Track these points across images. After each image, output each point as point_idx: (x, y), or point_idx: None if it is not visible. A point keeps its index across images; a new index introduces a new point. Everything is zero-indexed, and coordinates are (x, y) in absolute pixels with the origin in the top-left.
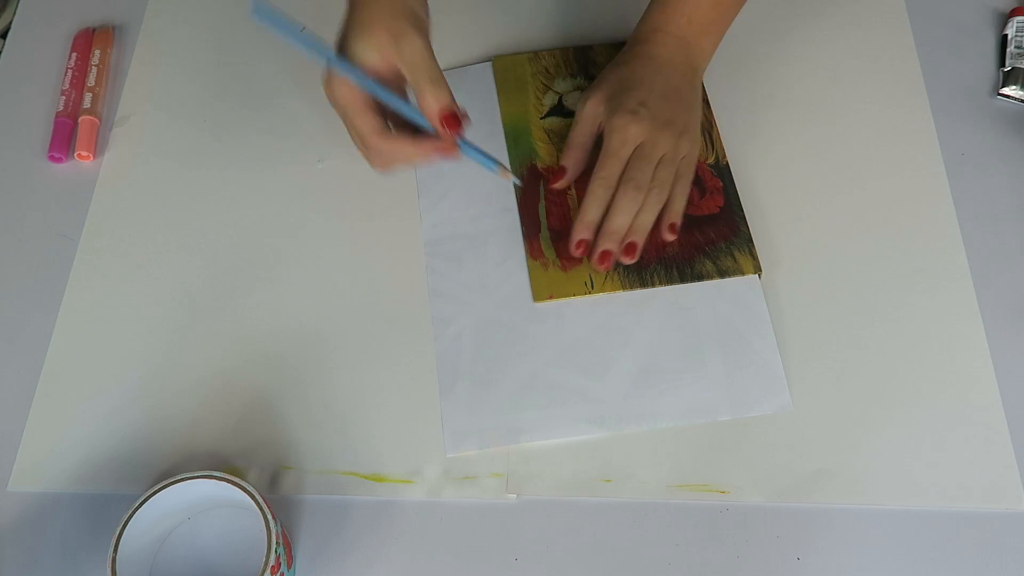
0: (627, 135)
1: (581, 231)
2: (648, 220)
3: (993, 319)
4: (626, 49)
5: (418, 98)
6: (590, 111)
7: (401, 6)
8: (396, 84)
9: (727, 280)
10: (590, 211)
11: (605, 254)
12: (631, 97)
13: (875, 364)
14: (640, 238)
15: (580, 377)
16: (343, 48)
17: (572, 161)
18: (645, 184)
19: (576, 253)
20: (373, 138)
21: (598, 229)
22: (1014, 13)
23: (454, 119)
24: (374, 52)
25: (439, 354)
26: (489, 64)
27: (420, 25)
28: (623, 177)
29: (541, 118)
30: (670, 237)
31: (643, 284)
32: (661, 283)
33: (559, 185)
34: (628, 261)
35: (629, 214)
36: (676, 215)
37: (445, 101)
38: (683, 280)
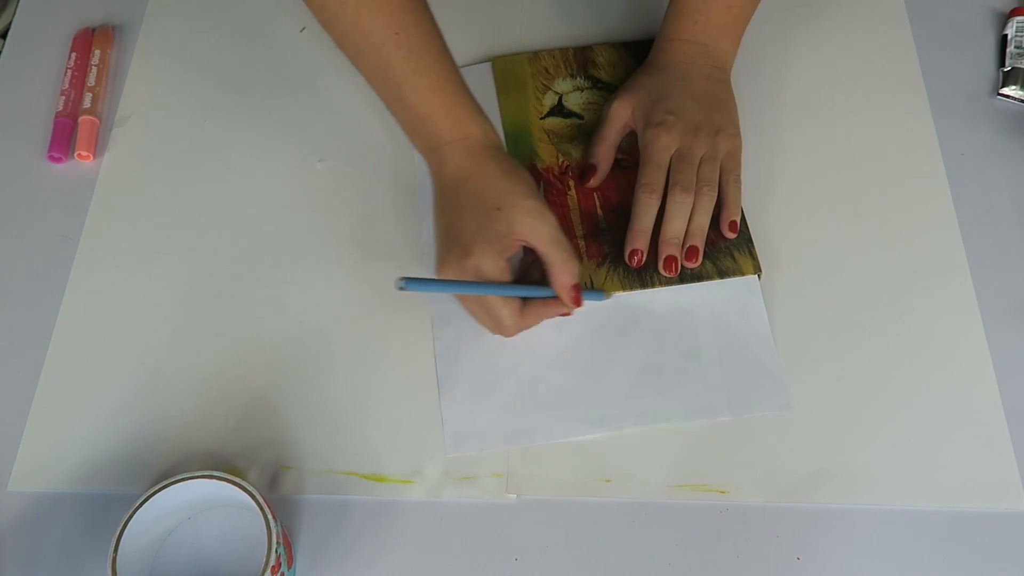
0: (660, 143)
1: (634, 241)
2: (703, 221)
3: (993, 319)
4: (650, 59)
5: (552, 271)
6: (617, 109)
7: (527, 182)
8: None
9: (726, 281)
10: (640, 219)
11: (670, 260)
12: (659, 108)
13: (875, 364)
14: (700, 241)
15: (580, 378)
16: (470, 240)
17: (601, 156)
18: (691, 185)
19: (632, 263)
20: (515, 319)
21: (641, 238)
22: (1014, 13)
23: (579, 292)
24: (506, 248)
25: (439, 354)
26: (489, 64)
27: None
28: (669, 183)
29: (541, 118)
30: (731, 235)
31: (643, 284)
32: (661, 284)
33: (594, 183)
34: (691, 265)
35: (683, 217)
36: (733, 212)
37: (577, 278)
38: (682, 281)
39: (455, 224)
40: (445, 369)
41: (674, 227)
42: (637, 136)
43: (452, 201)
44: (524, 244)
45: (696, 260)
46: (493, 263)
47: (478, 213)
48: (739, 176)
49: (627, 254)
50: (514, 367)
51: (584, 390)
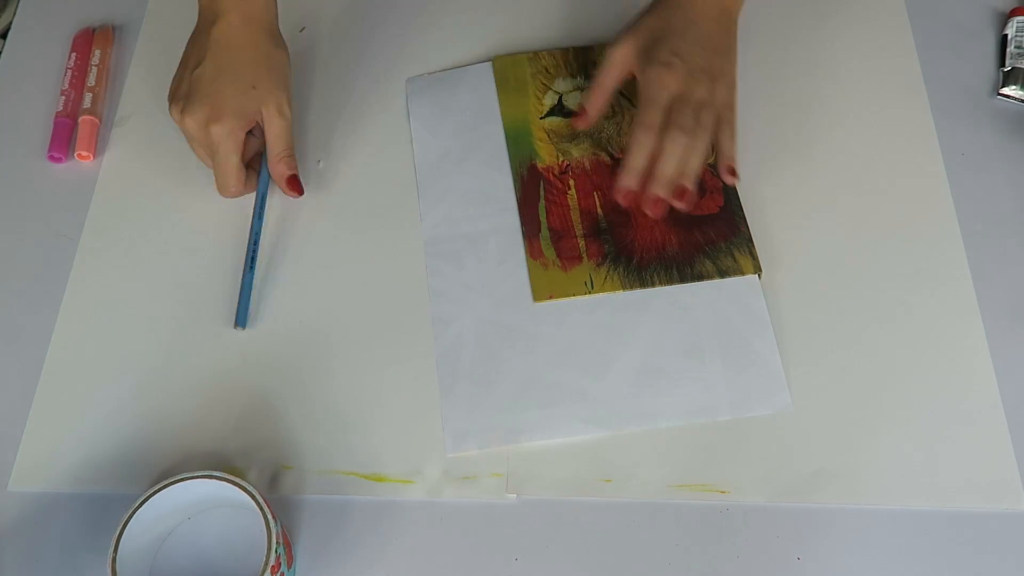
0: (663, 84)
1: (626, 179)
2: (696, 164)
3: (993, 319)
4: (656, 1)
5: (271, 161)
6: (620, 56)
7: (281, 70)
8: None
9: (727, 280)
10: (635, 159)
11: (657, 201)
12: (663, 48)
13: (875, 364)
14: (691, 183)
15: (579, 377)
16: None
17: (594, 102)
18: (690, 128)
19: (622, 203)
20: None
21: (633, 177)
22: (1014, 13)
23: (297, 183)
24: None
25: (439, 354)
26: (489, 64)
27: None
28: (668, 123)
29: (541, 118)
30: (732, 180)
31: (643, 284)
32: (661, 283)
33: (582, 126)
34: (681, 206)
35: (678, 159)
36: (731, 158)
37: (291, 171)
38: (683, 280)
39: (211, 84)
40: (445, 369)
41: (669, 167)
42: (636, 78)
43: (213, 58)
44: (258, 125)
45: (685, 202)
46: (235, 136)
47: (237, 86)
48: (735, 126)
49: (618, 194)
50: (514, 366)
51: (583, 388)
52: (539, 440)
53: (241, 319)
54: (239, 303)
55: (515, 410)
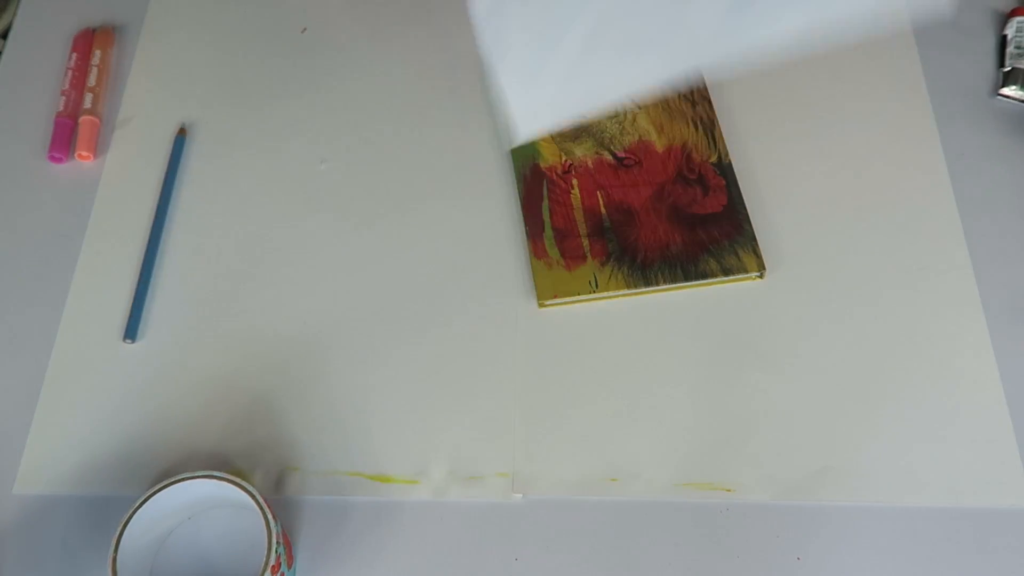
0: None
1: None
2: None
3: (996, 317)
4: None
5: None
6: None
7: None
8: None
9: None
10: None
11: None
12: None
13: (879, 362)
14: None
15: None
16: None
17: None
18: None
19: None
20: None
21: None
22: (1014, 13)
23: None
24: None
25: (486, 12)
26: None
27: None
28: None
29: None
30: None
31: (647, 283)
32: (665, 281)
33: None
34: None
35: None
36: None
37: None
38: (687, 279)
39: None
40: (491, 35)
41: None
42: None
43: None
44: None
45: None
46: None
47: None
48: None
49: None
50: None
51: (667, 21)
52: (621, 95)
53: (131, 331)
54: (131, 314)
55: (586, 63)
